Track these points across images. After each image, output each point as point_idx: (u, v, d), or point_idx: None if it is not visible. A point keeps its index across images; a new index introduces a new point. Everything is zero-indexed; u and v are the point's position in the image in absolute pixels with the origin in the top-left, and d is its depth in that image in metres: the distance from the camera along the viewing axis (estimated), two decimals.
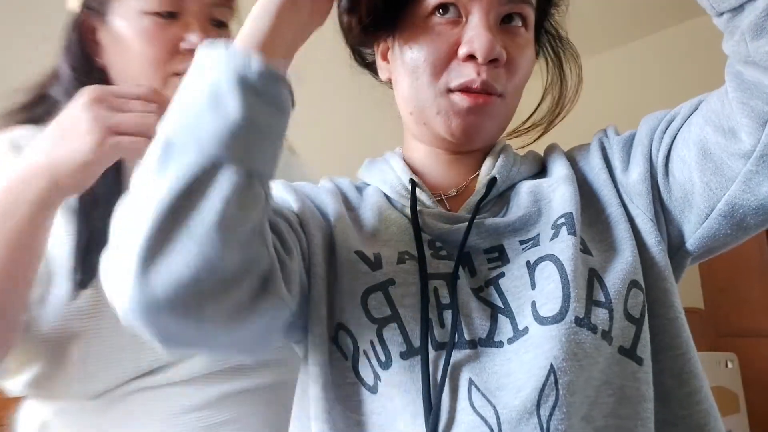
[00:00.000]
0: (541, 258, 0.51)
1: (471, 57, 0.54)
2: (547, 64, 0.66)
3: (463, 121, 0.56)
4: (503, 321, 0.50)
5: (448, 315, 0.50)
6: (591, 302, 0.47)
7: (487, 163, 0.62)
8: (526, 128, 0.67)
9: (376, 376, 0.50)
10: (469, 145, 0.60)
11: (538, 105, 0.66)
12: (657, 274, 0.53)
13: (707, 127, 0.50)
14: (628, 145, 0.58)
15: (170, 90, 0.65)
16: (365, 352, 0.50)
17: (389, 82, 0.63)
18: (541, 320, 0.47)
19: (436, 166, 0.63)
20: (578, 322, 0.46)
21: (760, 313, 2.30)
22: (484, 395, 0.46)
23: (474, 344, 0.49)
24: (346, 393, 0.50)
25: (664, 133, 0.55)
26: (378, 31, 0.60)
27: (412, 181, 0.60)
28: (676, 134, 0.54)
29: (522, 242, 0.54)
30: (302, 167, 0.89)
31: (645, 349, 0.48)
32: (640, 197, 0.55)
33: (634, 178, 0.55)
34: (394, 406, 0.48)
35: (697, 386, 0.51)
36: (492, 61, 0.54)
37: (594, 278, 0.49)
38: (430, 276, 0.51)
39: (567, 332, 0.45)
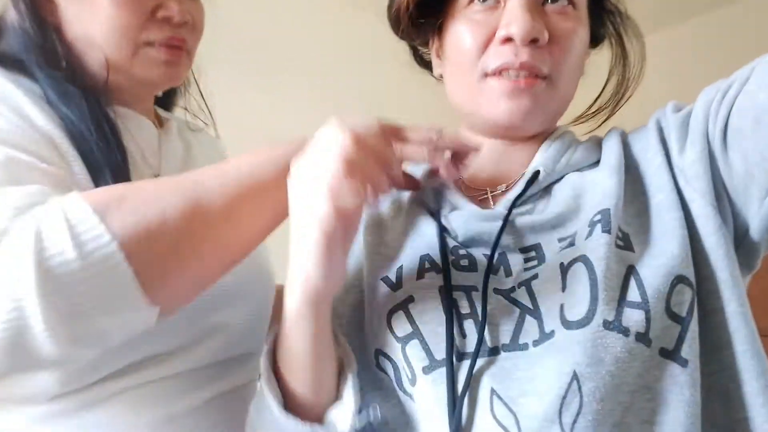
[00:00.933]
0: (574, 259, 0.48)
1: (509, 40, 0.53)
2: (610, 43, 0.64)
3: (506, 105, 0.54)
4: (530, 323, 0.48)
5: (469, 324, 0.48)
6: (624, 303, 0.45)
7: (538, 154, 0.59)
8: (593, 112, 0.65)
9: (411, 394, 0.50)
10: (518, 130, 0.58)
11: (604, 87, 0.64)
12: (716, 263, 0.48)
13: (761, 93, 0.45)
14: (685, 122, 0.53)
15: (140, 61, 0.62)
16: (403, 370, 0.50)
17: (441, 79, 0.64)
18: (568, 324, 0.45)
19: (492, 158, 0.61)
20: (606, 325, 0.44)
21: (761, 313, 2.29)
22: (506, 404, 0.44)
23: (497, 350, 0.47)
24: (399, 410, 0.51)
25: (721, 104, 0.49)
26: (424, 24, 0.61)
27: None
28: (733, 103, 0.48)
29: (560, 240, 0.52)
30: (224, 151, 0.84)
31: (691, 350, 0.45)
32: (698, 179, 0.50)
33: (690, 158, 0.51)
34: (423, 420, 0.49)
35: (762, 385, 0.45)
36: (533, 42, 0.53)
37: (631, 276, 0.46)
38: (451, 288, 0.50)
39: (593, 337, 0.43)
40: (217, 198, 0.48)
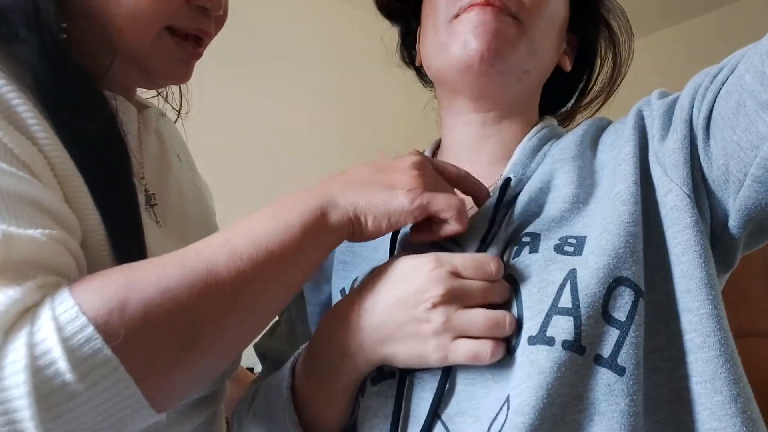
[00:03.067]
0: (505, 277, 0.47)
1: None
2: (595, 30, 0.63)
3: (473, 41, 0.52)
4: None
5: None
6: (553, 311, 0.42)
7: (516, 153, 0.56)
8: (585, 104, 0.65)
9: (357, 404, 0.49)
10: (488, 74, 0.54)
11: (597, 75, 0.63)
12: (692, 261, 0.44)
13: (747, 74, 0.41)
14: (671, 108, 0.50)
15: (155, 52, 0.54)
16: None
17: (422, 67, 0.64)
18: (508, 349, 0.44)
19: (474, 149, 0.59)
20: (531, 341, 0.42)
21: (760, 313, 2.30)
22: (443, 424, 0.44)
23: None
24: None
25: (708, 89, 0.46)
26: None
27: None
28: (720, 88, 0.45)
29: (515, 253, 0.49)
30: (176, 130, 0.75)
31: (630, 357, 0.41)
32: (676, 168, 0.46)
33: (670, 146, 0.47)
34: (363, 431, 0.48)
35: (733, 394, 0.41)
36: None
37: (567, 281, 0.43)
38: None
39: (521, 359, 0.42)
40: (227, 279, 0.41)
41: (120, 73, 0.55)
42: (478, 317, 0.43)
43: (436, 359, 0.44)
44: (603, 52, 0.63)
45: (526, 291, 0.44)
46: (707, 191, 0.47)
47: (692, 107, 0.47)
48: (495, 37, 0.52)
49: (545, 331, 0.41)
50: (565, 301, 0.42)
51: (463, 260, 0.45)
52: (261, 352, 0.65)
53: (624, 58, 0.62)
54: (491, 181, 0.56)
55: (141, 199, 0.53)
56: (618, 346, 0.41)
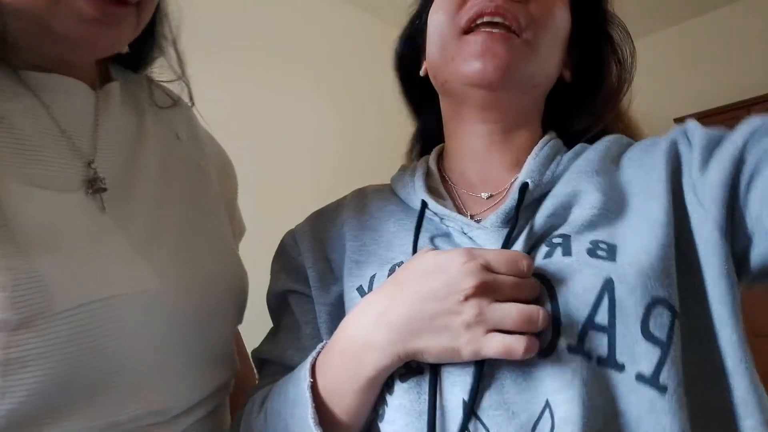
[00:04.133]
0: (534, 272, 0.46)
1: None
2: (597, 41, 0.63)
3: (480, 59, 0.53)
4: None
5: None
6: (588, 326, 0.43)
7: (527, 163, 0.57)
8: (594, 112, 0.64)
9: (384, 403, 0.49)
10: (495, 90, 0.55)
11: (603, 80, 0.62)
12: (723, 290, 0.45)
13: None
14: (717, 141, 0.50)
15: (60, 13, 0.46)
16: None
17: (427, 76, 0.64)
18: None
19: (481, 159, 0.59)
20: (570, 349, 0.42)
21: (760, 313, 2.29)
22: (478, 417, 0.44)
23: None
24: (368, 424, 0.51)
25: (766, 136, 0.46)
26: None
27: (423, 203, 0.57)
28: None
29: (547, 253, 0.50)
30: (197, 120, 0.71)
31: (671, 376, 0.41)
32: (714, 204, 0.47)
33: (711, 180, 0.47)
34: (394, 430, 0.47)
35: (741, 426, 0.42)
36: None
37: (605, 295, 0.43)
38: None
39: (561, 363, 0.42)
40: None
41: (34, 45, 0.48)
42: (511, 310, 0.43)
43: (468, 352, 0.43)
44: (607, 65, 0.63)
45: (563, 297, 0.44)
46: (737, 226, 0.47)
47: (745, 148, 0.47)
48: (504, 61, 0.53)
49: (583, 343, 0.42)
50: (602, 316, 0.42)
51: (495, 255, 0.45)
52: (260, 358, 0.65)
53: (628, 67, 0.62)
54: (502, 186, 0.57)
55: (77, 184, 0.49)
56: (660, 364, 0.41)
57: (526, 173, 0.55)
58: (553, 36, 0.56)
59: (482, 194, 0.59)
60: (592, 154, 0.56)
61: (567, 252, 0.47)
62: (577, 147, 0.59)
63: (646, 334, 0.42)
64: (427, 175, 0.62)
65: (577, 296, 0.44)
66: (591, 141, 0.60)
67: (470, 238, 0.53)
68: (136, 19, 0.52)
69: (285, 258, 0.65)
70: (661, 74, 3.81)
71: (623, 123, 0.63)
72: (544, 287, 0.45)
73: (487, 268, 0.44)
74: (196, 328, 0.53)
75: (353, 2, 3.42)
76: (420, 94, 0.68)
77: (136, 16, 0.51)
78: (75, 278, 0.44)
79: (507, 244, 0.50)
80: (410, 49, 0.67)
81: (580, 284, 0.44)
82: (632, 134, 0.61)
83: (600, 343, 0.42)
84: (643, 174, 0.52)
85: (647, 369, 0.41)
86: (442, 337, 0.44)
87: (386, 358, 0.46)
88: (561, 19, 0.57)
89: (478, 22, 0.53)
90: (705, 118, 3.72)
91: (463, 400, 0.44)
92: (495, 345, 0.42)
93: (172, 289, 0.51)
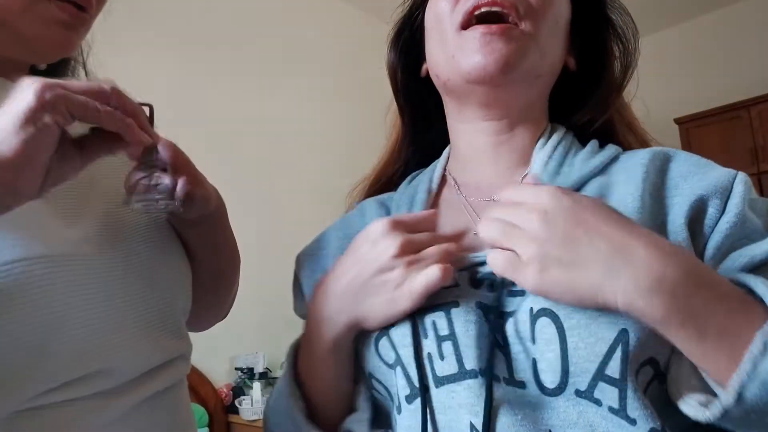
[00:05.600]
0: (542, 309, 0.43)
1: None
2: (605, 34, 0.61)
3: (481, 52, 0.51)
4: (500, 358, 0.45)
5: (447, 346, 0.45)
6: (599, 378, 0.41)
7: (535, 159, 0.55)
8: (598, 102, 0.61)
9: (393, 423, 0.49)
10: (498, 85, 0.53)
11: (605, 72, 0.60)
12: None
13: None
14: (746, 219, 0.46)
15: (30, 17, 0.51)
16: (395, 396, 0.49)
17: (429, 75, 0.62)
18: (541, 387, 0.43)
19: (489, 157, 0.58)
20: (579, 393, 0.42)
21: None
22: None
23: (475, 374, 0.44)
24: None
25: (745, 258, 0.44)
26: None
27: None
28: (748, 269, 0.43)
29: None
30: None
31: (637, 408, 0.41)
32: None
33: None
34: None
35: None
36: None
37: (619, 346, 0.41)
38: (427, 310, 0.47)
39: (566, 403, 0.42)
40: None
41: None
42: (432, 251, 0.48)
43: (403, 297, 0.47)
44: (609, 50, 0.61)
45: (572, 341, 0.42)
46: None
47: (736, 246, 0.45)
48: (504, 55, 0.51)
49: (593, 392, 0.41)
50: (614, 369, 0.40)
51: (409, 216, 0.51)
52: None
53: (632, 50, 0.60)
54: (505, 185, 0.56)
55: None
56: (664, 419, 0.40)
57: (536, 170, 0.54)
58: (553, 23, 0.54)
59: (494, 197, 0.56)
60: (635, 161, 0.52)
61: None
62: (593, 144, 0.56)
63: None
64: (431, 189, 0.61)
65: (589, 346, 0.41)
66: (600, 137, 0.58)
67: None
68: (86, 29, 0.57)
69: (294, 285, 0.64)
70: (661, 74, 3.81)
71: (633, 134, 0.61)
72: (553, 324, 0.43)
73: (404, 227, 0.49)
74: (139, 296, 0.55)
75: (356, 3, 3.42)
76: (417, 101, 0.67)
77: (87, 26, 0.56)
78: (7, 239, 0.46)
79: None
80: (405, 56, 0.65)
81: (592, 334, 0.42)
82: (642, 144, 0.60)
83: (612, 396, 0.41)
84: (687, 194, 0.48)
85: (657, 423, 0.40)
86: (380, 295, 0.47)
87: (337, 327, 0.50)
88: (560, 5, 0.55)
89: (476, 14, 0.52)
90: (705, 118, 3.72)
91: (471, 423, 0.43)
92: (419, 280, 0.46)
93: (109, 257, 0.53)
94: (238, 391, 2.57)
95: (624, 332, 0.41)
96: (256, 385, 2.51)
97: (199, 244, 0.63)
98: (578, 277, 0.39)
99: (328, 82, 3.27)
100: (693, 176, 0.48)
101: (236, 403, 2.51)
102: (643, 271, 0.38)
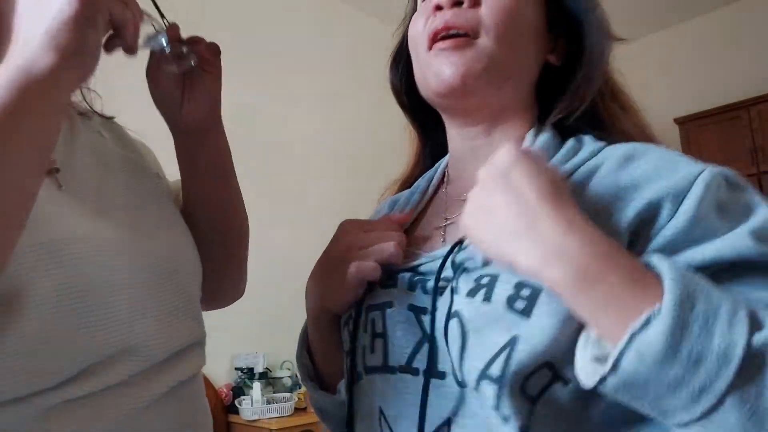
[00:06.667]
0: (455, 312, 0.49)
1: (438, 8, 0.57)
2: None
3: (441, 69, 0.56)
4: (424, 351, 0.51)
5: (379, 343, 0.54)
6: (482, 377, 0.46)
7: None
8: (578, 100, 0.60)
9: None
10: (462, 95, 0.56)
11: (576, 76, 0.59)
12: None
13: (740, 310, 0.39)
14: (711, 216, 0.44)
15: None
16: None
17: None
18: (456, 380, 0.49)
19: (471, 160, 0.61)
20: (475, 384, 0.47)
21: None
22: (387, 424, 0.52)
23: (393, 369, 0.53)
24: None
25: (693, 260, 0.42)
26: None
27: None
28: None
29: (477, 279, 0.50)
30: (115, 124, 0.74)
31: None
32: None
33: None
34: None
35: None
36: (457, 5, 0.56)
37: (504, 350, 0.45)
38: (370, 308, 0.56)
39: (473, 391, 0.47)
40: None
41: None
42: (374, 248, 0.57)
43: (342, 290, 0.56)
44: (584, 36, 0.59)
45: (470, 342, 0.47)
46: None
47: (685, 245, 0.44)
48: (460, 68, 0.55)
49: (479, 388, 0.46)
50: (495, 369, 0.45)
51: (372, 222, 0.61)
52: None
53: (603, 30, 0.59)
54: None
55: None
56: (530, 418, 0.46)
57: None
58: (515, 30, 0.56)
59: (464, 195, 0.57)
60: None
61: (487, 298, 0.47)
62: (566, 148, 0.56)
63: (523, 392, 0.46)
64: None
65: (484, 349, 0.46)
66: (600, 126, 0.58)
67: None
68: None
69: None
70: (661, 74, 3.81)
71: (636, 125, 0.59)
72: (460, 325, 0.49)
73: (361, 227, 0.59)
74: (163, 277, 0.59)
75: (360, 6, 3.42)
76: (423, 113, 0.70)
77: None
78: (37, 224, 0.48)
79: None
80: (406, 75, 0.68)
81: (487, 338, 0.46)
82: (646, 136, 0.57)
83: (490, 394, 0.45)
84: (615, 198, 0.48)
85: (524, 420, 0.45)
86: (331, 285, 0.58)
87: (312, 307, 0.61)
88: (521, 12, 0.57)
89: (438, 38, 0.57)
90: (704, 118, 3.73)
91: (380, 408, 0.54)
92: (351, 272, 0.55)
93: (131, 241, 0.57)
94: (238, 391, 2.57)
95: (515, 339, 0.44)
96: (256, 385, 2.52)
97: (207, 169, 0.71)
98: (491, 227, 0.44)
99: (328, 82, 3.27)
100: (656, 179, 0.47)
101: (236, 403, 2.51)
102: (545, 237, 0.41)
